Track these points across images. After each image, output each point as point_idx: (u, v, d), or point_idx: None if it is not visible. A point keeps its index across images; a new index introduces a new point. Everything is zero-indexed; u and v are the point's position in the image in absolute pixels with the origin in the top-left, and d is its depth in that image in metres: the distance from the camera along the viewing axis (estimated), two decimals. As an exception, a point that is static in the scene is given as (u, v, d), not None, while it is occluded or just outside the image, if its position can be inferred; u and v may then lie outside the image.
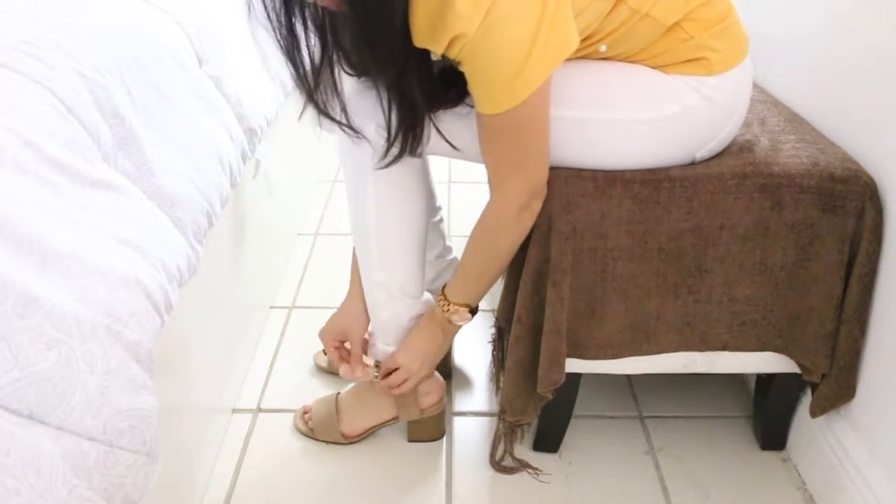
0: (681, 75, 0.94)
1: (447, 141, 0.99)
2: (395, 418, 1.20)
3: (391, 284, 1.10)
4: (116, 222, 0.78)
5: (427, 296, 1.15)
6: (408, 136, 0.95)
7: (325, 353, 1.33)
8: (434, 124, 0.97)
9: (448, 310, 1.07)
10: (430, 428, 1.22)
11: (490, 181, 0.97)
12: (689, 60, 0.94)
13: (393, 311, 1.12)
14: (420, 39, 0.84)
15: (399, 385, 1.14)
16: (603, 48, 0.95)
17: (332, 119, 0.95)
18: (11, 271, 0.63)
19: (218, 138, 1.08)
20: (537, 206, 0.97)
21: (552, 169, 0.99)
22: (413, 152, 0.98)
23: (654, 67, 0.95)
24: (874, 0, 1.00)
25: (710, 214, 0.98)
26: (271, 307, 1.57)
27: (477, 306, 1.09)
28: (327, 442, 1.22)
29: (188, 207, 0.92)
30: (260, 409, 1.30)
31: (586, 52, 0.95)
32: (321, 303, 1.58)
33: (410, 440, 1.22)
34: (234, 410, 1.29)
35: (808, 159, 1.00)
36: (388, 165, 0.98)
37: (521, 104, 0.85)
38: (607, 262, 1.00)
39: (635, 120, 0.95)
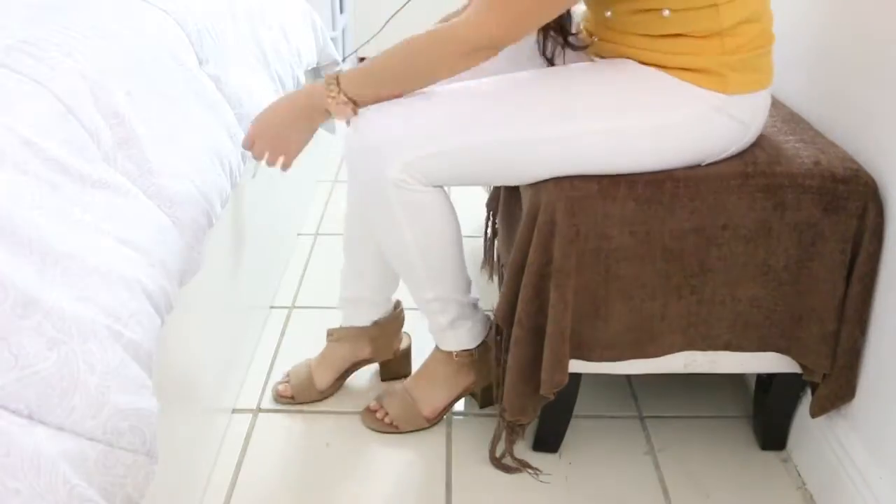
0: (695, 86, 0.96)
1: None
2: (473, 385, 1.23)
3: (445, 294, 1.13)
4: (116, 222, 0.78)
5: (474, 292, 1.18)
6: None
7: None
8: None
9: (335, 96, 0.99)
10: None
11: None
12: (712, 74, 0.95)
13: (451, 315, 1.16)
14: None
15: (260, 154, 1.08)
16: (666, 13, 0.93)
17: None
18: (11, 271, 0.63)
19: (218, 138, 1.08)
20: (484, 57, 0.94)
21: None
22: None
23: (679, 68, 0.96)
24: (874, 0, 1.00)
25: (713, 214, 0.98)
26: (271, 307, 1.57)
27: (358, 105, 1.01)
28: (411, 431, 1.24)
29: (188, 207, 0.92)
30: (260, 409, 1.30)
31: (649, 14, 0.95)
32: (321, 303, 1.58)
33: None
34: (234, 410, 1.29)
35: (809, 159, 1.00)
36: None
37: None
38: (610, 264, 1.00)
39: (650, 126, 0.97)
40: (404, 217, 1.04)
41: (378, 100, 1.00)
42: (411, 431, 1.24)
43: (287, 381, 1.30)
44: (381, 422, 1.25)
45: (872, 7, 1.01)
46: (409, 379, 1.27)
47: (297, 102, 1.06)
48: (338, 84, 0.99)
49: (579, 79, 1.00)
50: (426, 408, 1.24)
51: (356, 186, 1.10)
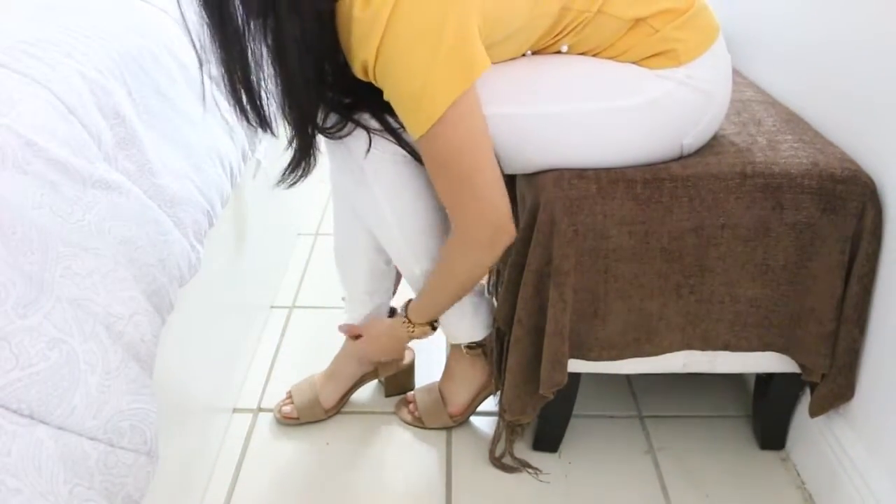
0: (650, 69, 0.95)
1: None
2: (490, 385, 1.23)
3: (431, 267, 1.12)
4: (116, 222, 0.78)
5: None
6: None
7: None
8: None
9: (413, 332, 1.15)
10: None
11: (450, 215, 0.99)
12: (657, 54, 0.95)
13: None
14: (354, 68, 0.89)
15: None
16: (564, 48, 0.96)
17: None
18: (11, 271, 0.63)
19: (218, 138, 1.08)
20: (500, 243, 0.97)
21: (554, 171, 1.00)
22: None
23: (631, 62, 0.96)
24: (873, 0, 1.01)
25: (712, 214, 0.98)
26: (271, 307, 1.57)
27: (437, 321, 1.16)
28: (436, 428, 1.25)
29: (188, 207, 0.92)
30: (260, 409, 1.30)
31: (549, 52, 0.97)
32: (321, 303, 1.58)
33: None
34: (234, 410, 1.29)
35: (808, 159, 1.00)
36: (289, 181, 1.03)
37: (440, 126, 0.86)
38: (609, 263, 1.00)
39: (617, 108, 0.96)
40: (375, 184, 1.05)
41: (444, 311, 1.14)
42: (436, 428, 1.25)
43: (290, 402, 1.27)
44: (411, 414, 1.26)
45: (872, 7, 1.01)
46: (441, 377, 1.28)
47: (385, 344, 1.21)
48: (410, 322, 1.14)
49: (549, 64, 0.98)
50: (451, 405, 1.24)
51: (333, 160, 1.10)
